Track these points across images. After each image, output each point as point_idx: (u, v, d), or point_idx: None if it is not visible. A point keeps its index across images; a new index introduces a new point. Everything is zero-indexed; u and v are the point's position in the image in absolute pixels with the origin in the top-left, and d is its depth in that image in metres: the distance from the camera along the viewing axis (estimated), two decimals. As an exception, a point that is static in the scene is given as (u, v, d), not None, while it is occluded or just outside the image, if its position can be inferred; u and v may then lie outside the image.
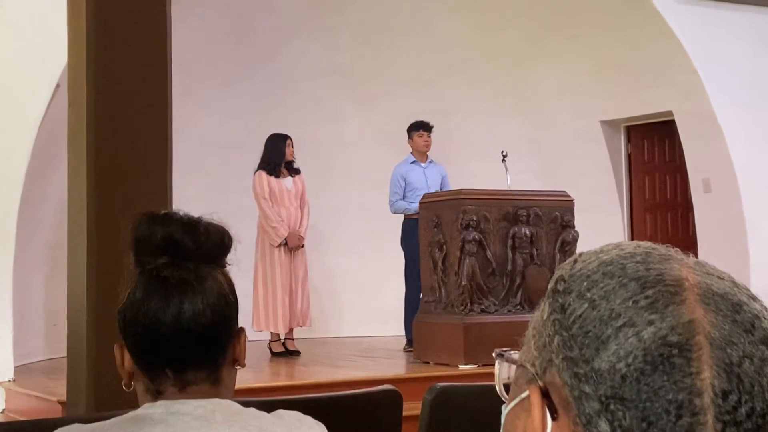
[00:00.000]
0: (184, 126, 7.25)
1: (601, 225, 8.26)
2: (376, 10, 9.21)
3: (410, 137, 7.78)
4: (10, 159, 6.84)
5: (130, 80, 2.92)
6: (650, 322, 0.65)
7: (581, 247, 6.12)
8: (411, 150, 7.79)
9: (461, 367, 6.28)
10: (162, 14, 2.99)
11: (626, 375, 0.64)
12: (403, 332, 7.73)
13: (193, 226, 1.43)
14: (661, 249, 0.72)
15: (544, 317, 0.71)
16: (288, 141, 7.54)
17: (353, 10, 9.21)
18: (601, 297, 0.68)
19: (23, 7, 6.80)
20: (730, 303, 0.67)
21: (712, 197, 8.29)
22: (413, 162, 7.71)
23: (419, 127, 7.74)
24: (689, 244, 8.16)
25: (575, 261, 0.72)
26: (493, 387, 0.76)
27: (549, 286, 0.72)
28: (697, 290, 0.67)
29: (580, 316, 0.68)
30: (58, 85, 6.57)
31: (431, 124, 7.77)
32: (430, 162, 7.74)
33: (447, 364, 6.41)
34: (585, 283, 0.69)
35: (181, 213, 1.46)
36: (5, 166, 6.84)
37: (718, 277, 0.70)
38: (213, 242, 1.43)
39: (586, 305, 0.68)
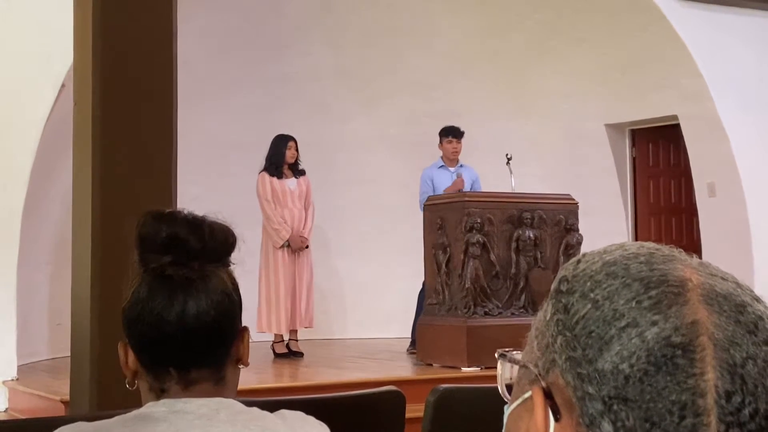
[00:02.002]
0: (189, 126, 7.23)
1: (606, 229, 8.24)
2: (382, 12, 9.21)
3: (440, 142, 7.73)
4: (15, 158, 6.85)
5: (135, 80, 2.92)
6: (653, 323, 0.65)
7: (585, 250, 6.11)
8: (441, 154, 7.76)
9: (464, 369, 6.28)
10: (168, 14, 3.00)
11: (629, 376, 0.64)
12: (406, 334, 7.72)
13: (197, 224, 1.43)
14: (665, 249, 0.72)
15: (547, 317, 0.71)
16: (290, 143, 7.52)
17: (358, 12, 9.22)
18: (605, 297, 0.68)
19: (29, 7, 6.81)
20: (733, 304, 0.67)
21: (717, 201, 8.28)
22: (441, 166, 7.67)
23: (448, 134, 7.69)
24: (693, 249, 8.12)
25: (578, 261, 0.72)
26: (496, 389, 0.76)
27: (552, 287, 0.72)
28: (701, 291, 0.67)
29: (584, 316, 0.67)
30: (63, 85, 6.59)
31: (462, 129, 7.71)
32: (460, 166, 7.67)
33: (450, 367, 6.41)
34: (588, 284, 0.69)
35: (186, 212, 1.46)
36: (10, 165, 6.86)
37: (722, 278, 0.70)
38: (217, 241, 1.44)
39: (589, 305, 0.68)
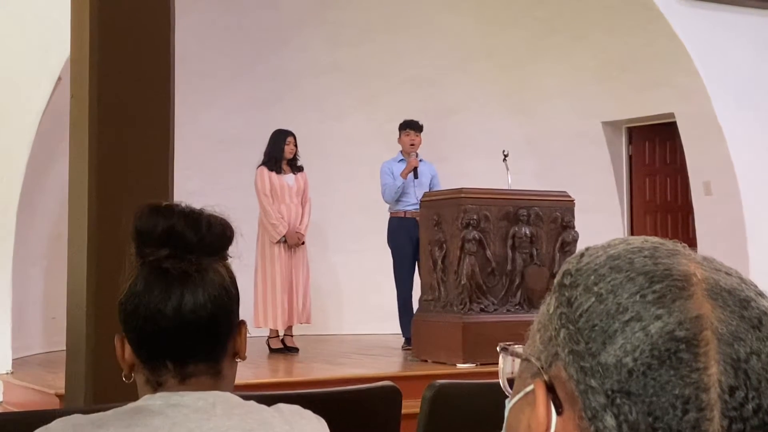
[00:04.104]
0: (185, 121, 7.24)
1: (602, 226, 8.24)
2: (379, 8, 9.21)
3: (399, 135, 7.79)
4: (11, 151, 6.84)
5: (132, 73, 2.91)
6: (657, 317, 0.65)
7: (581, 247, 6.10)
8: (401, 149, 7.79)
9: (460, 366, 6.28)
10: (165, 8, 2.99)
11: (633, 369, 0.64)
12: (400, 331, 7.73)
13: (195, 218, 1.42)
14: (669, 244, 0.72)
15: (550, 311, 0.70)
16: (288, 138, 7.52)
17: (355, 8, 9.21)
18: (609, 291, 0.67)
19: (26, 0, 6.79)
20: (737, 299, 0.67)
21: (713, 200, 8.29)
22: (401, 160, 7.70)
23: (406, 126, 7.75)
24: (689, 247, 8.14)
25: (582, 255, 0.72)
26: (493, 385, 0.76)
27: (555, 280, 0.71)
28: (705, 285, 0.67)
29: (587, 309, 0.67)
30: (59, 78, 6.57)
31: (421, 123, 7.74)
32: (420, 161, 7.69)
33: (445, 363, 6.41)
34: (592, 277, 0.69)
35: (183, 205, 1.45)
36: (6, 158, 6.84)
37: (726, 273, 0.70)
38: (215, 234, 1.43)
39: (593, 299, 0.68)
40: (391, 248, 7.57)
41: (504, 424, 0.74)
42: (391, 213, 7.63)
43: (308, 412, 1.48)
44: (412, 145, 7.66)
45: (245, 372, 5.82)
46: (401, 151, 7.77)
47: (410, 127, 7.72)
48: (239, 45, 8.99)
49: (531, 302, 6.58)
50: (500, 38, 9.15)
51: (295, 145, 7.55)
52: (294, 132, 7.60)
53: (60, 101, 5.91)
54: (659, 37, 8.20)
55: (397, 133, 7.86)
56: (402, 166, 7.64)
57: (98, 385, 2.68)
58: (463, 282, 6.46)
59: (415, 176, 7.51)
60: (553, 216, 6.84)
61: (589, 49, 8.75)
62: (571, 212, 6.91)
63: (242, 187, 7.72)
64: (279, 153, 7.48)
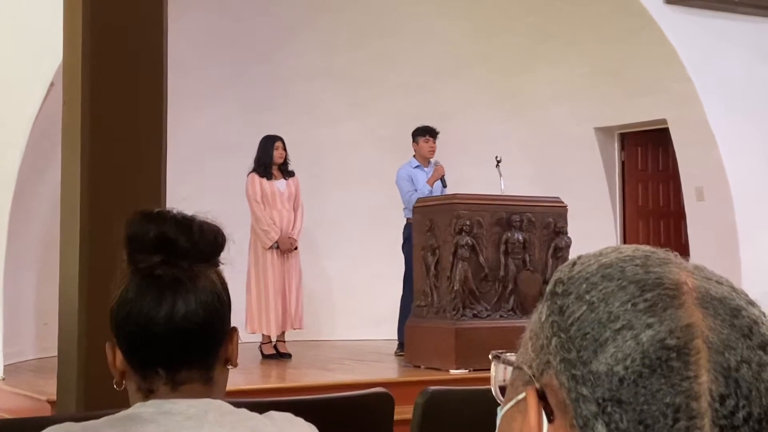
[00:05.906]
0: (178, 126, 7.21)
1: (594, 232, 8.26)
2: (373, 13, 9.21)
3: (415, 141, 7.73)
4: (4, 157, 6.83)
5: (125, 79, 2.91)
6: (649, 325, 0.65)
7: (573, 253, 6.11)
8: (414, 154, 7.76)
9: (452, 371, 6.28)
10: (158, 14, 2.99)
11: (624, 378, 0.64)
12: (394, 336, 7.72)
13: (186, 224, 1.42)
14: (660, 253, 0.72)
15: (542, 319, 0.70)
16: (276, 143, 7.50)
17: (349, 13, 9.21)
18: (600, 299, 0.67)
19: (19, 5, 6.79)
20: (728, 307, 0.67)
21: (705, 205, 8.31)
22: (417, 166, 7.67)
23: (426, 132, 7.69)
24: (681, 252, 8.04)
25: (574, 264, 0.72)
26: (485, 391, 0.76)
27: (547, 288, 0.72)
28: (696, 294, 0.67)
29: (579, 318, 0.67)
30: (52, 84, 6.56)
31: (438, 129, 7.73)
32: (435, 163, 7.68)
33: (438, 369, 6.41)
34: (584, 286, 0.69)
35: (175, 211, 1.45)
36: (-2, 164, 6.83)
37: (717, 282, 0.70)
38: (207, 241, 1.43)
39: (584, 307, 0.68)
40: (405, 254, 7.54)
41: (495, 432, 0.74)
42: (408, 219, 7.59)
43: (300, 420, 1.48)
44: (431, 151, 7.64)
45: (237, 378, 5.80)
46: (415, 157, 7.72)
47: (429, 133, 7.68)
48: (232, 50, 8.99)
49: (524, 308, 6.58)
50: (494, 44, 9.16)
51: (285, 150, 7.54)
52: (287, 138, 7.60)
53: (52, 107, 5.91)
54: (652, 44, 8.23)
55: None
56: (419, 172, 7.60)
57: (90, 392, 2.68)
58: (455, 288, 6.46)
59: (444, 184, 7.48)
60: (545, 222, 6.85)
61: (582, 55, 8.78)
62: (564, 218, 6.92)
63: (235, 193, 7.71)
64: (268, 158, 7.47)
